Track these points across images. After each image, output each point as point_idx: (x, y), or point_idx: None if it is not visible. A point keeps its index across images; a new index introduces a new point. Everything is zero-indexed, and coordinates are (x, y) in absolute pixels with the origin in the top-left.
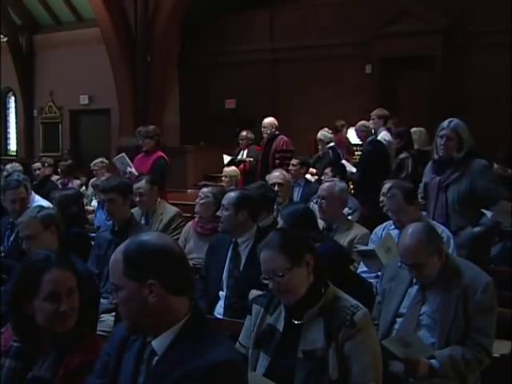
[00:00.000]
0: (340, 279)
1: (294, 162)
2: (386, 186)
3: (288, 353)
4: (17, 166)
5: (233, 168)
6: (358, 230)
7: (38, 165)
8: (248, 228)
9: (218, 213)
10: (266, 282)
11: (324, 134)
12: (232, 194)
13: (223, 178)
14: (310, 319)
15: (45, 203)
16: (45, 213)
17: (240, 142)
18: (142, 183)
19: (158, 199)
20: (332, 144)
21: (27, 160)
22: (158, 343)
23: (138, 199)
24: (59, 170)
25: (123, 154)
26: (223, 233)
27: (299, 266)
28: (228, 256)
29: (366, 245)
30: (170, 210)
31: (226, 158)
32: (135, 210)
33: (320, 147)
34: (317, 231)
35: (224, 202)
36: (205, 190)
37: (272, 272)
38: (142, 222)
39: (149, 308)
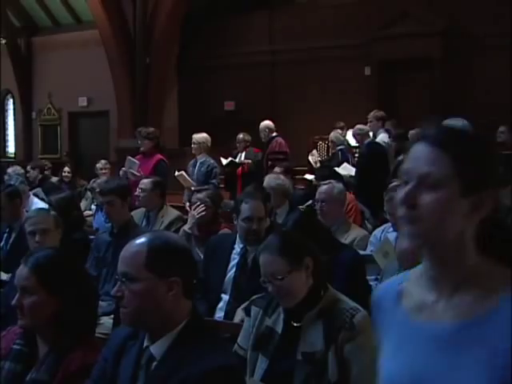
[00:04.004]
0: (362, 287)
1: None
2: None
3: (287, 355)
4: (18, 169)
5: (203, 135)
6: (358, 232)
7: (34, 172)
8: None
9: (252, 227)
10: (266, 285)
11: (337, 136)
12: (258, 202)
13: (192, 146)
14: (309, 321)
15: (43, 206)
16: (55, 213)
17: (237, 144)
18: (146, 180)
19: (165, 206)
20: (342, 147)
21: (25, 162)
22: (156, 348)
23: (140, 195)
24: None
25: (136, 161)
26: (253, 245)
27: (299, 269)
28: (234, 261)
29: (366, 247)
30: (171, 213)
31: (224, 161)
32: (137, 212)
33: (331, 148)
34: (325, 230)
35: (255, 213)
36: (200, 195)
37: (271, 275)
38: (144, 223)
39: (163, 306)
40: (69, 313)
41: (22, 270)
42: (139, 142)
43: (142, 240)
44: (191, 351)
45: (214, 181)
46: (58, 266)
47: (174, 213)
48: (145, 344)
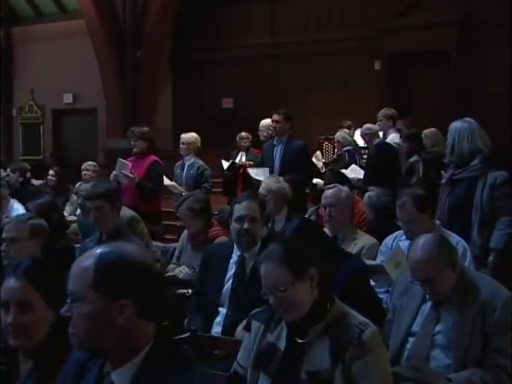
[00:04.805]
0: (364, 298)
1: (276, 117)
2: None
3: (290, 374)
4: (1, 171)
5: (192, 134)
6: (366, 240)
7: (14, 176)
8: (259, 239)
9: (243, 226)
10: (267, 297)
11: (343, 136)
12: (252, 203)
13: (181, 146)
14: (315, 337)
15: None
16: (36, 222)
17: (243, 143)
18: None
19: None
20: (349, 147)
21: (5, 164)
22: (119, 376)
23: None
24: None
25: (126, 162)
26: (248, 249)
27: (302, 280)
28: (231, 272)
29: (375, 256)
30: (123, 216)
31: (225, 164)
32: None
33: (336, 149)
34: (328, 238)
35: (247, 212)
36: (181, 209)
37: (273, 286)
38: None
39: (113, 330)
40: (62, 327)
41: (14, 284)
42: (132, 142)
43: (91, 255)
44: (159, 381)
45: (205, 184)
46: (54, 274)
47: (127, 213)
48: (106, 368)
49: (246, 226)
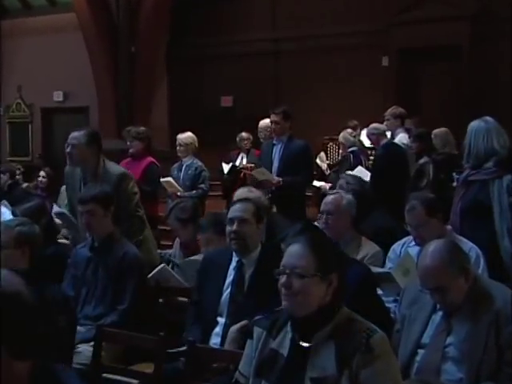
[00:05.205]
0: (371, 307)
1: (275, 117)
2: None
3: (294, 381)
4: None
5: (189, 134)
6: (369, 248)
7: (4, 177)
8: (258, 244)
9: (232, 228)
10: (279, 276)
11: (346, 136)
12: (244, 205)
13: (178, 148)
14: (320, 342)
15: (11, 217)
16: (24, 229)
17: (243, 144)
18: (78, 134)
19: (102, 160)
20: (354, 148)
21: None
22: None
23: (68, 150)
24: None
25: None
26: (241, 252)
27: (322, 280)
28: (230, 278)
29: (381, 264)
30: (113, 171)
31: (226, 167)
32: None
33: (341, 151)
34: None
35: (237, 213)
36: (170, 221)
37: (292, 267)
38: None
39: None
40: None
41: None
42: (128, 142)
43: None
44: None
45: (202, 185)
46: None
47: (117, 169)
48: None
49: (234, 227)
